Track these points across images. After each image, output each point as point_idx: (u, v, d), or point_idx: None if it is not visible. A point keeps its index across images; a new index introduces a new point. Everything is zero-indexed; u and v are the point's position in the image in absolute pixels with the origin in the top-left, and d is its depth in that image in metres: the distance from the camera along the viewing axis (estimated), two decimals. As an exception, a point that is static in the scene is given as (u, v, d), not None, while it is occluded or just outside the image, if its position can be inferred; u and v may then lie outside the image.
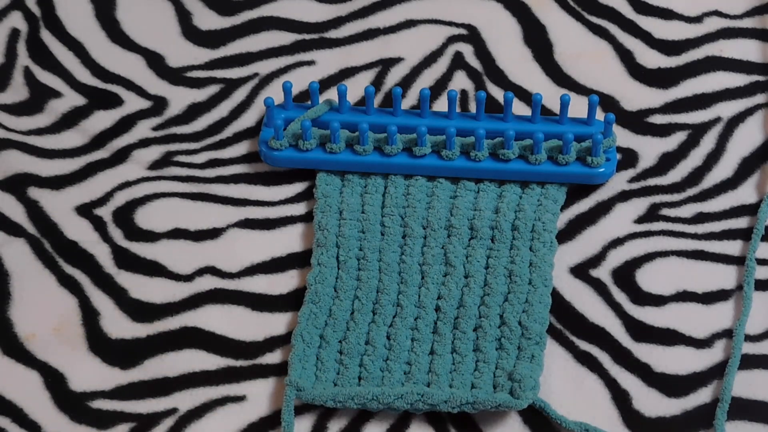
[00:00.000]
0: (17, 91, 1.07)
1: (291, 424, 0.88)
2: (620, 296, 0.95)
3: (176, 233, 0.99)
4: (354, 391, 0.88)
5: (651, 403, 0.90)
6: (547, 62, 1.08)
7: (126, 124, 1.05)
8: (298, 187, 1.01)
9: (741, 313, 0.93)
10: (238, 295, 0.96)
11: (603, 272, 0.96)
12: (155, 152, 1.03)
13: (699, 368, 0.92)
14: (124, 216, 1.00)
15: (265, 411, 0.91)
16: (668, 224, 0.99)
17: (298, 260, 0.97)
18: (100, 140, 1.04)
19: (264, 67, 1.08)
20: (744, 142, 1.03)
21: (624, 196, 1.00)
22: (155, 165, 1.03)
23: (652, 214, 0.99)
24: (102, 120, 1.05)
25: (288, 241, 0.98)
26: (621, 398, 0.91)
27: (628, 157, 1.02)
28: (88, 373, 0.92)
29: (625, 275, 0.96)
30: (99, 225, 0.99)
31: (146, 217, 1.00)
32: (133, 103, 1.06)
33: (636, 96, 1.06)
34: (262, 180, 1.01)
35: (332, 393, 0.89)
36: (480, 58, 1.08)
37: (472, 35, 1.10)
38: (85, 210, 1.00)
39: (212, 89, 1.07)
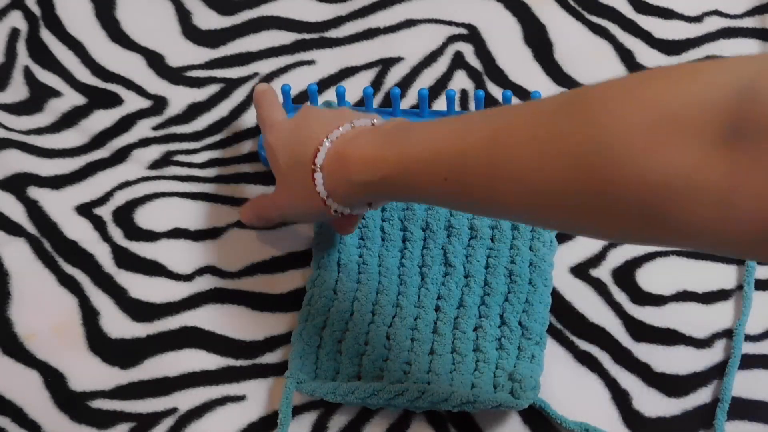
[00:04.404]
0: (17, 91, 1.07)
1: (288, 417, 0.88)
2: (620, 296, 0.95)
3: (176, 233, 0.99)
4: (355, 385, 0.89)
5: (651, 403, 0.90)
6: (547, 62, 1.08)
7: (126, 123, 1.05)
8: (298, 187, 1.01)
9: (741, 313, 0.93)
10: (238, 295, 0.96)
11: (603, 272, 0.96)
12: (155, 152, 1.03)
13: (699, 368, 0.92)
14: (124, 215, 1.00)
15: (265, 411, 0.91)
16: (668, 224, 0.98)
17: (298, 260, 0.97)
18: (100, 140, 1.04)
19: (264, 66, 1.08)
20: (744, 141, 1.03)
21: (624, 195, 1.00)
22: (155, 164, 1.03)
23: (652, 214, 0.99)
24: (102, 119, 1.05)
25: (288, 241, 0.98)
26: (621, 398, 0.91)
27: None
28: (88, 373, 0.92)
29: (625, 275, 0.96)
30: (99, 225, 0.99)
31: (146, 217, 1.00)
32: (133, 103, 1.06)
33: (636, 96, 1.05)
34: (262, 180, 1.01)
35: (333, 386, 0.89)
36: (480, 58, 1.08)
37: (472, 35, 1.10)
38: (85, 210, 1.00)
39: (212, 89, 1.07)
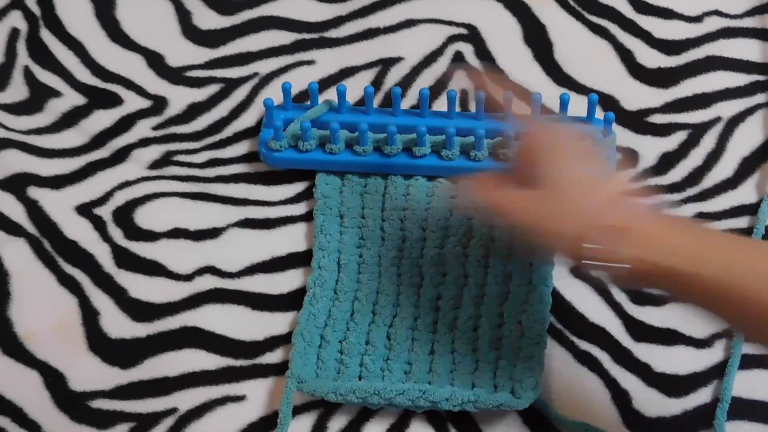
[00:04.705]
0: (17, 91, 1.07)
1: (288, 417, 0.88)
2: (620, 296, 0.95)
3: (176, 233, 0.99)
4: (356, 385, 0.89)
5: (651, 403, 0.90)
6: (547, 62, 1.08)
7: (126, 123, 1.05)
8: (298, 187, 1.01)
9: (741, 313, 0.93)
10: (238, 295, 0.96)
11: (603, 272, 0.96)
12: (155, 152, 1.03)
13: (699, 368, 0.92)
14: (124, 215, 1.00)
15: (265, 411, 0.91)
16: (668, 224, 0.98)
17: (299, 260, 0.97)
18: (100, 140, 1.04)
19: (264, 66, 1.08)
20: (744, 141, 1.03)
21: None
22: (155, 164, 1.03)
23: (652, 214, 0.99)
24: (102, 119, 1.05)
25: (288, 241, 0.98)
26: (621, 398, 0.91)
27: (628, 157, 1.02)
28: (88, 373, 0.92)
29: (625, 275, 0.96)
30: (99, 224, 0.99)
31: (146, 217, 1.00)
32: (133, 103, 1.06)
33: (636, 96, 1.05)
34: (262, 180, 1.01)
35: (334, 386, 0.89)
36: (480, 58, 1.08)
37: (472, 35, 1.10)
38: (85, 209, 1.00)
39: (212, 89, 1.07)
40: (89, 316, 0.95)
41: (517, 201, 0.85)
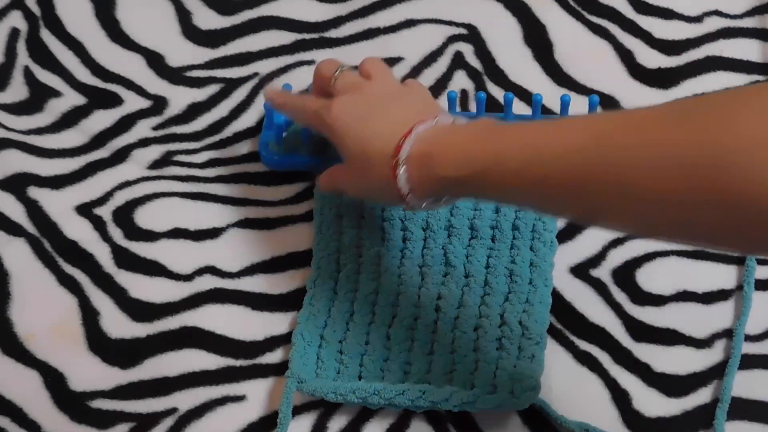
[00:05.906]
0: (17, 91, 1.07)
1: (288, 417, 0.88)
2: (620, 296, 0.95)
3: (176, 233, 0.99)
4: (356, 385, 0.89)
5: (651, 403, 0.90)
6: (547, 62, 1.08)
7: (126, 123, 1.05)
8: (298, 187, 1.01)
9: (741, 313, 0.93)
10: (238, 295, 0.96)
11: (603, 272, 0.96)
12: (155, 152, 1.03)
13: (699, 368, 0.92)
14: (124, 215, 1.00)
15: (265, 411, 0.91)
16: (668, 224, 0.98)
17: (298, 260, 0.97)
18: (100, 140, 1.04)
19: (264, 66, 1.08)
20: (744, 142, 1.03)
21: (624, 195, 1.00)
22: (155, 164, 1.03)
23: (652, 214, 0.99)
24: (102, 119, 1.05)
25: (288, 241, 0.98)
26: (621, 398, 0.91)
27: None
28: (88, 373, 0.92)
29: (625, 275, 0.96)
30: (99, 224, 0.99)
31: (146, 217, 1.00)
32: (133, 103, 1.06)
33: (636, 96, 1.05)
34: (262, 180, 1.01)
35: (333, 386, 0.89)
36: (480, 58, 1.08)
37: (472, 35, 1.10)
38: (85, 209, 1.00)
39: (212, 89, 1.07)
40: (89, 316, 0.95)
41: (339, 173, 0.91)
